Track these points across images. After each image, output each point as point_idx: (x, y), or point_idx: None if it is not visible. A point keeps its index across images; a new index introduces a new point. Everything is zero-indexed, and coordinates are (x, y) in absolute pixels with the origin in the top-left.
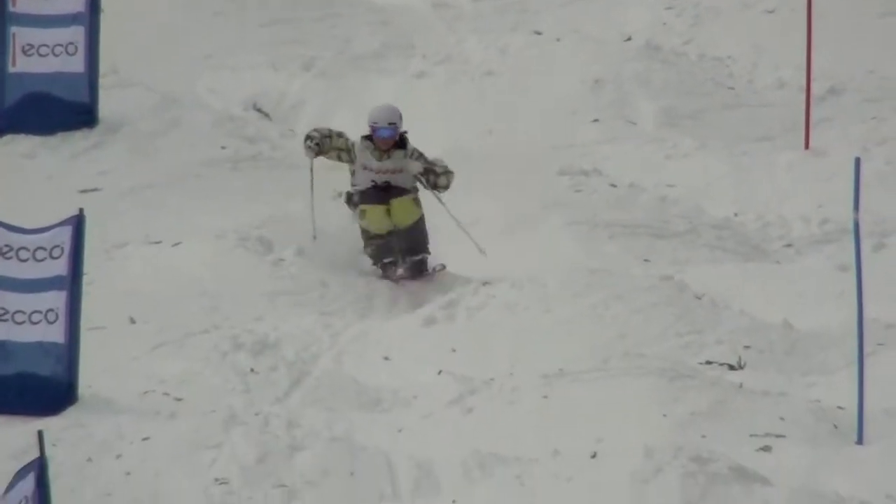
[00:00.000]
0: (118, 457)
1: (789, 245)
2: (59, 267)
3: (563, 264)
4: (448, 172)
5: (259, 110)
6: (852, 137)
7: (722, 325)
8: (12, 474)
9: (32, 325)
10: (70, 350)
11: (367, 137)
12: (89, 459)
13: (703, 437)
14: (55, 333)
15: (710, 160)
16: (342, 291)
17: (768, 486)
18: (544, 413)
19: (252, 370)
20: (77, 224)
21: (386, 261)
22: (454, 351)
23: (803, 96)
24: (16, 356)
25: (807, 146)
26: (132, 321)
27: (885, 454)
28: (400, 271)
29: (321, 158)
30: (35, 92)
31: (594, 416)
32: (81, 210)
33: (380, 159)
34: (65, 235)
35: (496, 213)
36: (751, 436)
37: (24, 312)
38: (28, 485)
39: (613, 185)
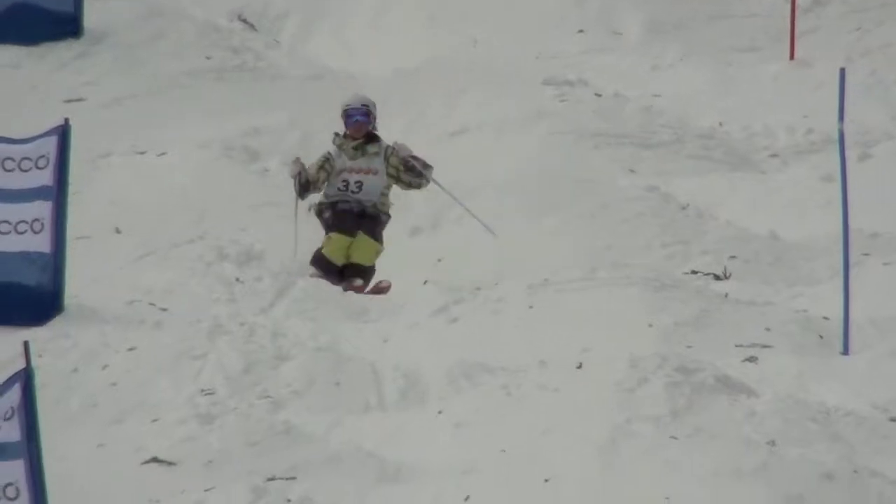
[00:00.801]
0: (104, 367)
1: (775, 155)
2: (45, 177)
3: (549, 174)
4: (428, 167)
5: (244, 21)
6: (837, 48)
7: (707, 236)
8: None
9: (18, 234)
10: (56, 260)
11: (341, 135)
12: (75, 369)
13: (689, 347)
14: (41, 243)
15: (695, 70)
16: None
17: (754, 396)
18: (530, 323)
19: (237, 280)
20: (62, 134)
21: (323, 278)
22: (439, 261)
23: (789, 7)
24: (1, 266)
25: (792, 57)
26: (118, 231)
27: (870, 364)
28: (318, 275)
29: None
30: (20, 2)
31: (580, 327)
32: (67, 120)
33: (353, 158)
34: (50, 146)
35: (481, 122)
36: (736, 346)
37: (9, 223)
38: (14, 395)
39: (598, 95)
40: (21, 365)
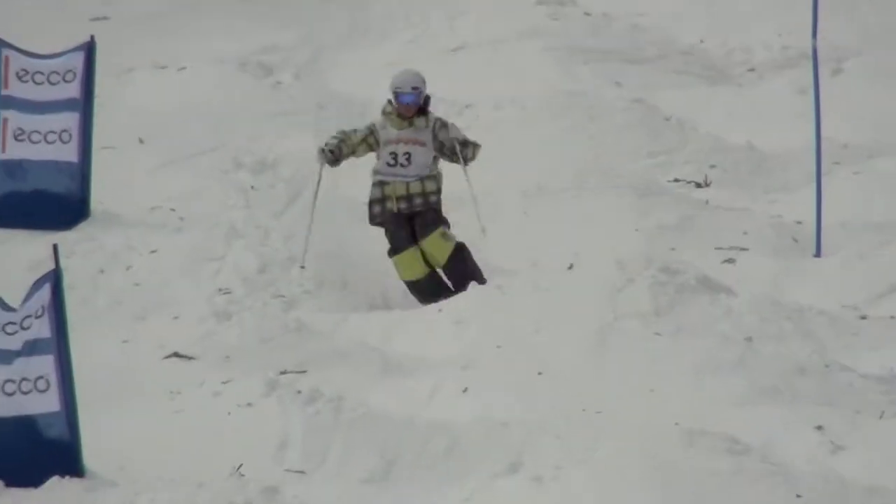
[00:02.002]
0: (128, 268)
1: (752, 70)
2: (73, 90)
3: (541, 87)
4: (476, 146)
5: None
6: None
7: (689, 146)
8: (30, 285)
9: (47, 144)
10: (83, 168)
11: (389, 103)
12: (101, 271)
13: (672, 249)
14: (69, 153)
15: None
16: (337, 112)
17: (732, 295)
18: (524, 227)
19: (252, 187)
20: (89, 50)
21: (432, 303)
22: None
23: None
24: (32, 174)
25: None
26: (140, 141)
27: (840, 266)
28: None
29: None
30: None
31: (571, 231)
32: (93, 37)
33: (399, 128)
34: (77, 60)
35: (480, 39)
36: (716, 249)
37: (39, 132)
38: (44, 294)
39: (588, 14)
40: (51, 266)
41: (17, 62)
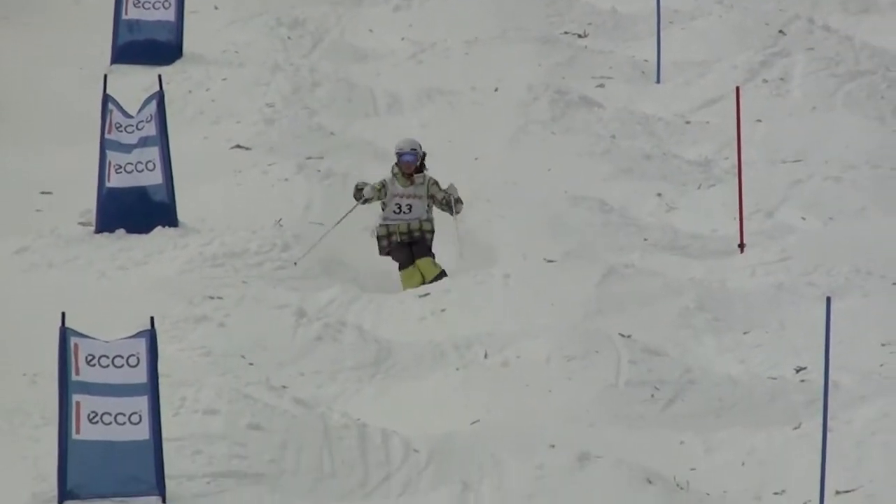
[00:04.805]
0: (207, 90)
1: None
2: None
3: None
4: (461, 203)
5: None
6: None
7: (574, 10)
8: (143, 100)
9: (154, 10)
10: (178, 23)
11: (395, 165)
12: (189, 91)
13: (563, 78)
14: (167, 14)
15: None
16: None
17: (602, 108)
18: (466, 64)
19: (289, 38)
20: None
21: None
22: (410, 26)
23: None
24: (140, 31)
25: None
26: (216, 8)
27: (673, 89)
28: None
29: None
30: None
31: (497, 65)
32: None
33: (405, 186)
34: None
35: None
36: (592, 77)
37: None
38: (153, 107)
39: None
40: (156, 89)
41: None
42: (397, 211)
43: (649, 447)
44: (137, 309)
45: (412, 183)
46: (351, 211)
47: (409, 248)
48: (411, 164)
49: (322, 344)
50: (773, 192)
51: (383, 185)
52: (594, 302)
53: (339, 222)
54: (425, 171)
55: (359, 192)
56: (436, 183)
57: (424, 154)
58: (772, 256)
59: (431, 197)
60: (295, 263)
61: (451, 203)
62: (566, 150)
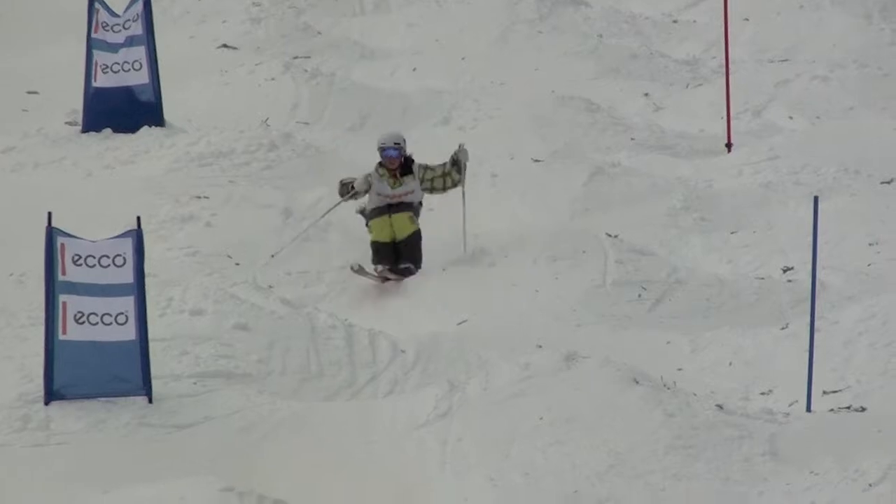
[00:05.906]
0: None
1: None
2: None
3: None
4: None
5: None
6: None
7: None
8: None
9: None
10: None
11: (380, 164)
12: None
13: None
14: None
15: None
16: None
17: (589, 6)
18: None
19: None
20: None
21: (380, 267)
22: None
23: None
24: None
25: None
26: None
27: None
28: (385, 269)
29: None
30: None
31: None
32: None
33: (393, 187)
34: None
35: None
36: None
37: None
38: (139, 5)
39: None
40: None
41: None
42: (383, 205)
43: (636, 347)
44: (124, 209)
45: (402, 183)
46: (334, 207)
47: (388, 209)
48: (395, 160)
49: (309, 244)
50: (760, 91)
51: (368, 182)
52: (581, 202)
53: (321, 218)
54: (413, 167)
55: (345, 188)
56: (426, 167)
57: (411, 155)
58: (759, 156)
59: (430, 181)
60: (272, 256)
61: (455, 167)
62: (553, 49)
